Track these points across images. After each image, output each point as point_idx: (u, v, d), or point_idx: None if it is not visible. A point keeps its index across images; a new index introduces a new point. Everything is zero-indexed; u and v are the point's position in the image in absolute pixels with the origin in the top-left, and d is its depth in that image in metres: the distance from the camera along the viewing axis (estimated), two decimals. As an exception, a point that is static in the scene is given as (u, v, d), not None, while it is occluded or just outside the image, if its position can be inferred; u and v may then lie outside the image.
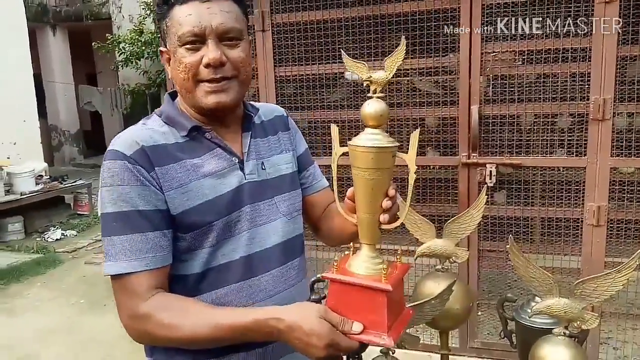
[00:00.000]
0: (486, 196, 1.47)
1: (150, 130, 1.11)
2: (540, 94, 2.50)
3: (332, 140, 1.07)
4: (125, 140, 1.07)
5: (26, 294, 4.78)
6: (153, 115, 1.17)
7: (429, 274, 1.53)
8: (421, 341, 2.23)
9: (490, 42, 2.51)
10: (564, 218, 2.58)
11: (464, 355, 2.65)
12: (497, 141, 2.55)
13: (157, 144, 1.08)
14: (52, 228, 6.72)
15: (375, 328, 0.97)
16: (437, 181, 2.83)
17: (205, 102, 1.09)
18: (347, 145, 1.03)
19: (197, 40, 1.06)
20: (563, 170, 2.63)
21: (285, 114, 1.36)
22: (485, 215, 1.51)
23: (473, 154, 2.53)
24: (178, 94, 1.18)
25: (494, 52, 2.51)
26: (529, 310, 1.41)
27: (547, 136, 2.68)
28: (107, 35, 8.13)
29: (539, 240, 2.74)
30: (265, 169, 1.19)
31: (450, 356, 1.57)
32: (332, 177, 1.12)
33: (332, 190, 1.19)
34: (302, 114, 2.94)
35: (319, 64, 2.82)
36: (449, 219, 1.48)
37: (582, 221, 2.46)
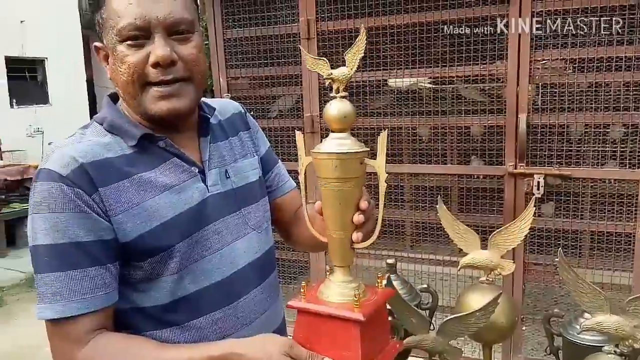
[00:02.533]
0: (534, 208, 1.43)
1: (91, 142, 0.93)
2: (592, 104, 2.42)
3: (298, 149, 0.94)
4: (60, 157, 0.88)
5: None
6: (92, 123, 0.98)
7: (473, 286, 1.51)
8: (463, 354, 2.19)
9: (540, 49, 2.45)
10: (615, 232, 2.48)
11: (507, 370, 2.59)
12: (545, 151, 2.48)
13: (99, 159, 0.90)
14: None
15: None
16: (481, 191, 2.78)
17: (154, 109, 0.92)
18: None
19: (141, 35, 0.89)
20: (615, 183, 2.54)
21: (243, 110, 1.20)
22: (532, 227, 1.47)
23: (520, 164, 2.47)
24: (120, 98, 0.99)
25: (543, 60, 2.45)
26: (578, 327, 1.37)
27: (599, 147, 2.59)
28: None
29: (588, 255, 2.64)
30: (229, 177, 1.04)
31: (492, 370, 1.53)
32: (301, 189, 0.99)
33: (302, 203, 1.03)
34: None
35: (362, 71, 2.83)
36: (493, 230, 1.45)
37: (634, 236, 2.36)
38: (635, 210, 2.35)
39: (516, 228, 1.44)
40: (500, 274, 1.49)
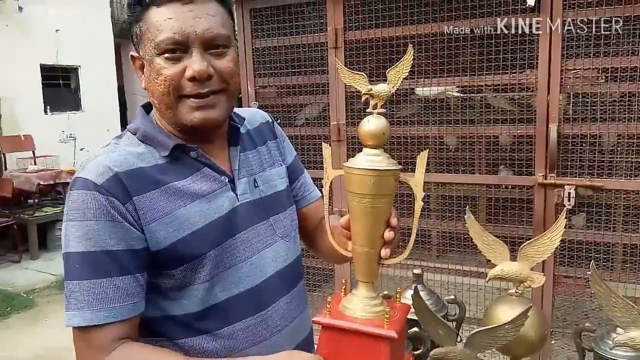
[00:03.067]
0: (565, 219, 1.41)
1: (125, 152, 0.95)
2: (625, 114, 2.37)
3: (324, 161, 0.93)
4: (95, 166, 0.91)
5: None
6: (126, 133, 1.01)
7: (501, 298, 1.49)
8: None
9: (571, 58, 2.41)
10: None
11: (536, 385, 2.53)
12: (576, 162, 2.44)
13: (133, 168, 0.92)
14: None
15: None
16: (510, 201, 2.74)
17: (189, 119, 0.94)
18: (341, 167, 0.89)
19: (179, 49, 0.91)
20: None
21: (270, 119, 1.20)
22: (563, 239, 1.45)
23: (550, 174, 2.43)
24: (154, 108, 1.01)
25: (575, 69, 2.41)
26: (610, 342, 1.34)
27: (632, 158, 2.53)
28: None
29: (621, 268, 2.57)
30: (258, 186, 1.05)
31: (521, 384, 1.51)
32: (324, 203, 0.98)
33: (324, 219, 1.02)
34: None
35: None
36: (522, 241, 1.43)
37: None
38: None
39: (547, 240, 1.42)
40: (529, 287, 1.46)
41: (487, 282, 1.49)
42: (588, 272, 1.18)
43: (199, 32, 0.91)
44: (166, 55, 0.91)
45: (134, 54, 0.98)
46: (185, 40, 0.91)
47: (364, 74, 0.90)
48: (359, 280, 0.93)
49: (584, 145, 2.42)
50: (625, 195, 2.48)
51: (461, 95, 2.92)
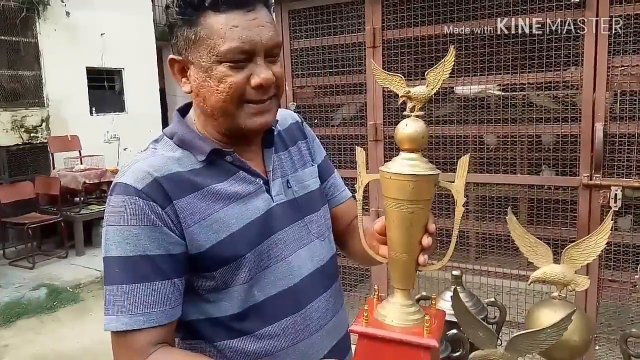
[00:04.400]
0: (611, 225, 1.36)
1: (163, 156, 0.96)
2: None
3: (358, 166, 0.92)
4: (135, 172, 0.92)
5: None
6: (163, 137, 1.01)
7: (544, 301, 1.45)
8: (530, 371, 2.10)
9: (618, 55, 2.33)
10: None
11: (579, 392, 2.45)
12: (623, 162, 2.35)
13: (171, 173, 0.93)
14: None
15: None
16: (552, 202, 2.66)
17: (249, 124, 0.95)
18: (378, 172, 0.88)
19: (244, 58, 0.91)
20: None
21: (300, 120, 1.20)
22: (608, 241, 1.40)
23: (596, 175, 2.35)
24: (193, 112, 1.02)
25: (622, 65, 2.33)
26: (660, 349, 1.29)
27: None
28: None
29: (672, 273, 2.46)
30: (291, 187, 1.06)
31: (564, 390, 1.47)
32: (358, 209, 0.97)
33: (358, 222, 1.00)
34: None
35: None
36: (565, 244, 1.40)
37: None
38: None
39: (592, 242, 1.38)
40: (573, 290, 1.42)
41: (529, 284, 1.46)
42: (636, 276, 1.14)
43: (264, 41, 0.91)
44: (230, 63, 0.90)
45: (175, 57, 0.96)
46: (252, 49, 0.90)
47: (401, 75, 0.88)
48: (395, 287, 0.91)
49: (631, 144, 2.33)
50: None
51: (502, 93, 2.86)
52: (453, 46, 0.87)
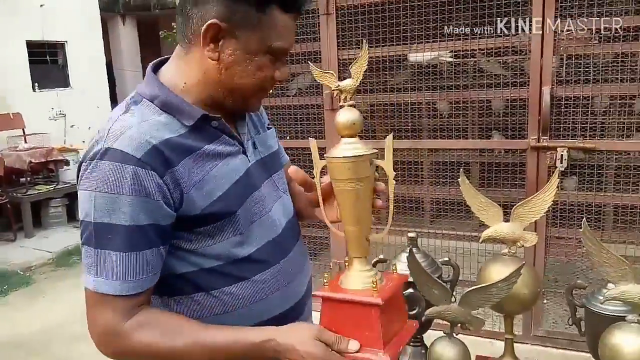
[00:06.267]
0: (557, 183, 1.42)
1: (153, 122, 0.97)
2: (617, 75, 2.36)
3: (312, 154, 1.02)
4: (132, 138, 0.93)
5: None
6: (142, 100, 1.01)
7: (494, 258, 1.51)
8: (484, 327, 2.20)
9: (565, 20, 2.39)
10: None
11: (527, 344, 2.59)
12: (569, 124, 2.44)
13: (166, 139, 0.96)
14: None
15: (370, 345, 0.93)
16: (502, 166, 2.76)
17: (254, 107, 1.10)
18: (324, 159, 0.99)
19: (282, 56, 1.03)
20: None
21: None
22: (555, 200, 1.46)
23: (543, 137, 2.44)
24: (178, 76, 1.03)
25: (568, 30, 2.40)
26: (601, 297, 1.37)
27: (624, 119, 2.55)
28: (173, 24, 8.39)
29: (612, 228, 2.61)
30: (257, 148, 1.14)
31: (513, 343, 1.55)
32: (317, 190, 1.06)
33: (317, 195, 1.08)
34: (363, 97, 2.94)
35: (382, 46, 2.80)
36: (515, 205, 1.45)
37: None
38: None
39: (539, 200, 1.44)
40: (522, 247, 1.49)
41: (481, 242, 1.52)
42: (580, 230, 1.20)
43: (292, 45, 1.04)
44: (271, 57, 0.99)
45: (222, 24, 0.95)
46: (288, 50, 1.03)
47: (332, 72, 1.01)
48: (352, 257, 1.02)
49: (576, 107, 2.42)
50: (616, 156, 2.50)
51: (454, 60, 2.90)
52: (366, 41, 1.02)
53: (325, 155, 0.98)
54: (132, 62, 11.51)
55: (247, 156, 1.09)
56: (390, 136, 0.97)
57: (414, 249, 1.54)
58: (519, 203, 1.46)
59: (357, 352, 0.93)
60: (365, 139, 1.24)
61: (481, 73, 2.75)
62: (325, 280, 1.01)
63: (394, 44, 2.77)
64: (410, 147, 2.85)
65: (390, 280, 1.02)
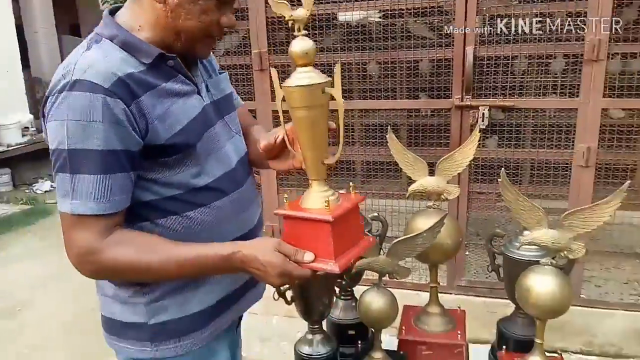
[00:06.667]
0: (478, 137, 1.48)
1: (116, 56, 1.04)
2: (536, 35, 2.47)
3: (274, 83, 1.08)
4: (99, 71, 1.00)
5: (17, 243, 4.83)
6: (102, 39, 1.07)
7: (420, 211, 1.56)
8: (410, 279, 2.30)
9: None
10: (554, 160, 2.61)
11: (451, 293, 2.74)
12: (490, 83, 2.54)
13: (129, 73, 1.03)
14: (41, 180, 6.70)
15: (323, 256, 1.04)
16: (429, 127, 2.84)
17: (202, 53, 1.15)
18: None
19: (226, 2, 1.08)
20: (555, 113, 2.65)
21: None
22: (476, 157, 1.53)
23: (466, 97, 2.52)
24: (132, 19, 1.09)
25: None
26: (517, 244, 1.45)
27: (541, 78, 2.68)
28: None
29: (528, 182, 2.78)
30: (210, 90, 1.21)
31: (438, 293, 1.62)
32: (281, 121, 1.13)
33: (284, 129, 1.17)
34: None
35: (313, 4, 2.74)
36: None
37: (571, 163, 2.49)
38: (573, 139, 2.47)
39: (461, 154, 1.49)
40: (446, 200, 1.55)
41: (408, 196, 1.56)
42: (500, 180, 1.25)
43: None
44: (217, 2, 1.06)
45: None
46: None
47: (285, 2, 1.02)
48: (311, 179, 1.10)
49: (497, 66, 2.51)
50: (534, 114, 2.64)
51: (382, 20, 2.91)
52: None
53: (283, 85, 1.03)
54: (45, 24, 10.56)
55: (201, 97, 1.16)
56: (339, 65, 1.01)
57: (344, 205, 1.56)
58: (443, 157, 1.51)
59: (311, 262, 1.04)
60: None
61: (409, 34, 2.78)
62: (285, 201, 1.11)
63: (324, 2, 2.73)
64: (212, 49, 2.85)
65: (346, 201, 1.10)
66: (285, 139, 1.16)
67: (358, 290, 1.53)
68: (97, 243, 1.02)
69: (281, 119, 1.12)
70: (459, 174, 1.51)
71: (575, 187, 2.49)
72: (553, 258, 1.24)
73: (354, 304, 1.67)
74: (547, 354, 1.32)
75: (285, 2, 1.02)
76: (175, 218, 1.12)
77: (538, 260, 1.27)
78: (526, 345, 1.41)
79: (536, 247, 1.28)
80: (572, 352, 2.67)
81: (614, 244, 2.98)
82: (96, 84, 0.98)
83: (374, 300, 1.34)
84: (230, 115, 1.27)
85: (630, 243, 2.86)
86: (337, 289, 1.68)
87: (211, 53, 1.31)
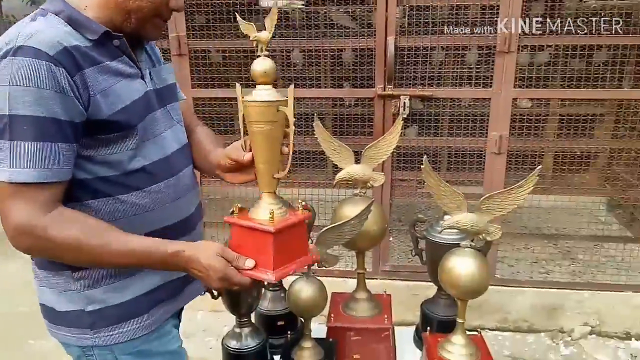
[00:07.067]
0: (401, 125, 1.51)
1: (61, 29, 1.02)
2: (453, 26, 2.56)
3: (238, 99, 1.11)
4: (45, 38, 0.97)
5: None
6: (48, 13, 1.05)
7: (346, 199, 1.58)
8: (337, 266, 2.33)
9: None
10: (469, 147, 2.74)
11: (376, 278, 2.82)
12: (411, 73, 2.61)
13: (74, 45, 1.01)
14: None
15: (263, 265, 1.08)
16: (353, 116, 2.87)
17: (152, 35, 1.14)
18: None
19: None
20: (470, 102, 2.77)
21: None
22: (398, 145, 1.56)
23: (388, 86, 2.58)
24: (78, 0, 1.07)
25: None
26: (439, 228, 1.51)
27: (457, 69, 2.79)
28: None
29: (446, 169, 2.90)
30: (153, 79, 1.21)
31: (365, 279, 1.66)
32: (241, 131, 1.16)
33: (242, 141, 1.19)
34: (215, 42, 2.82)
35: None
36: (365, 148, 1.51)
37: (485, 150, 2.63)
38: (487, 127, 2.60)
39: (386, 142, 1.52)
40: (371, 187, 1.57)
41: (335, 184, 1.57)
42: (420, 172, 1.29)
43: None
44: None
45: None
46: None
47: (252, 24, 1.10)
48: (262, 191, 1.15)
49: (417, 57, 2.58)
50: (451, 103, 2.75)
51: (305, 7, 2.89)
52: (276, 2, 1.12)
53: (243, 100, 1.09)
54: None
55: (145, 82, 1.15)
56: (292, 86, 1.07)
57: (271, 195, 1.54)
58: (368, 145, 1.53)
59: (251, 269, 1.07)
60: (220, 87, 1.43)
61: (332, 22, 2.79)
62: (234, 209, 1.15)
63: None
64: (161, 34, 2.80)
65: (293, 216, 1.14)
66: (247, 152, 1.18)
67: (286, 281, 1.53)
68: (38, 217, 0.97)
69: (241, 132, 1.16)
70: (382, 162, 1.54)
71: (489, 173, 2.63)
72: (472, 240, 1.29)
73: (282, 294, 1.66)
74: (467, 332, 1.39)
75: (251, 24, 1.10)
76: (106, 200, 1.09)
77: (458, 243, 1.32)
78: (448, 325, 1.48)
79: (456, 230, 1.33)
80: (489, 329, 2.84)
81: (523, 225, 3.19)
82: (41, 51, 0.95)
83: (304, 290, 1.34)
84: (173, 105, 1.26)
85: (537, 225, 3.07)
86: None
87: (154, 43, 1.32)
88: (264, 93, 1.07)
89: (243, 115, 1.11)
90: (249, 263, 1.07)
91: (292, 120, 1.09)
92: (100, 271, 1.11)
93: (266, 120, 1.07)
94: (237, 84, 1.12)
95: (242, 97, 1.09)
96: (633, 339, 2.76)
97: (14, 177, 0.96)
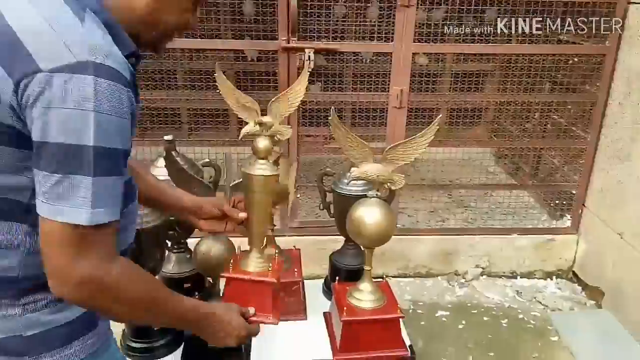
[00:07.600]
0: (308, 76, 1.48)
1: (108, 41, 0.85)
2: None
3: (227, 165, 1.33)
4: (117, 56, 0.83)
5: None
6: (87, 10, 0.85)
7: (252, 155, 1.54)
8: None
9: None
10: (372, 102, 2.80)
11: (285, 235, 2.83)
12: (315, 26, 2.57)
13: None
14: None
15: (263, 310, 1.23)
16: (257, 72, 2.80)
17: (161, 49, 1.04)
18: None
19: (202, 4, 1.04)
20: (372, 58, 2.80)
21: None
22: (304, 101, 1.54)
23: (292, 38, 2.52)
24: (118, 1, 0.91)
25: None
26: (346, 180, 1.52)
27: (360, 22, 2.80)
28: None
29: (350, 124, 2.94)
30: None
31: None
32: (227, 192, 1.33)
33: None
34: None
35: None
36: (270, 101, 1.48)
37: (387, 105, 2.69)
38: (389, 83, 2.66)
39: (293, 93, 1.49)
40: (279, 140, 1.54)
41: (240, 138, 1.52)
42: (325, 128, 1.28)
43: None
44: (195, 2, 0.99)
45: None
46: None
47: (256, 108, 1.32)
48: (252, 246, 1.32)
49: (320, 8, 2.54)
50: (354, 58, 2.77)
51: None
52: None
53: (244, 171, 1.26)
54: None
55: None
56: (295, 163, 1.31)
57: (173, 152, 1.46)
58: (274, 98, 1.49)
59: (253, 315, 1.18)
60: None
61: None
62: (231, 265, 1.30)
63: None
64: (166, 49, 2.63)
65: (277, 264, 1.33)
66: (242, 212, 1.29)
67: (192, 242, 1.48)
68: (109, 266, 0.85)
69: (228, 193, 1.33)
70: (289, 116, 1.52)
71: (391, 127, 2.71)
72: (377, 191, 1.32)
73: (188, 256, 1.61)
74: (373, 279, 1.44)
75: (255, 109, 1.34)
76: None
77: (365, 194, 1.35)
78: (355, 275, 1.52)
79: (363, 181, 1.36)
80: (392, 276, 2.99)
81: (421, 177, 3.35)
82: (121, 74, 0.82)
83: (213, 248, 1.31)
84: None
85: (434, 176, 3.24)
86: (169, 242, 1.60)
87: None
88: (264, 167, 1.25)
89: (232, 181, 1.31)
90: (252, 310, 1.18)
91: (292, 191, 1.49)
92: (46, 297, 0.94)
93: (262, 190, 1.25)
94: (227, 152, 1.33)
95: (244, 170, 1.26)
96: (518, 277, 3.06)
97: (98, 219, 0.82)
